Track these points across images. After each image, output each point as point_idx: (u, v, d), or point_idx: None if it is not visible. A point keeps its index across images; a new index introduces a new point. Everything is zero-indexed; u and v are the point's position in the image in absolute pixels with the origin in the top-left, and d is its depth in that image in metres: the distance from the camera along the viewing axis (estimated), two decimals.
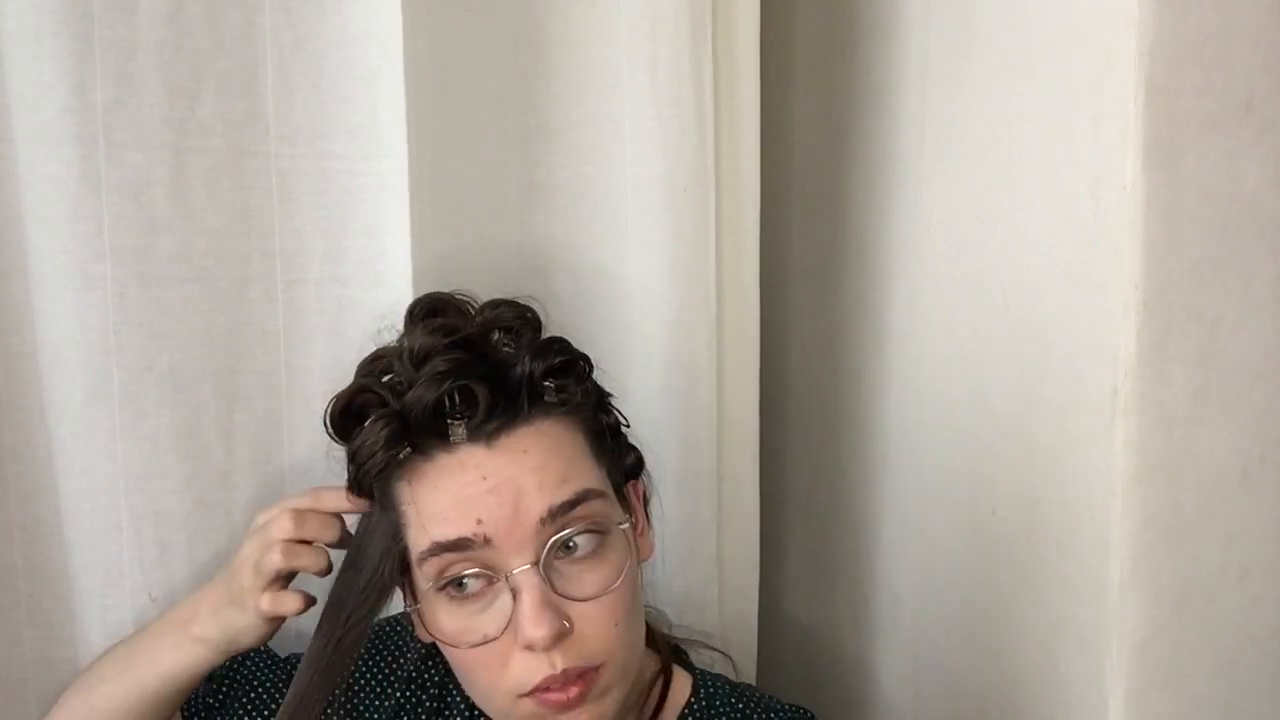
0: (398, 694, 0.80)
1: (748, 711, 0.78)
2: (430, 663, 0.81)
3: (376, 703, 0.80)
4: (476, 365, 0.68)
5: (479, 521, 0.66)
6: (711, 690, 0.79)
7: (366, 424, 0.69)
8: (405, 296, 0.88)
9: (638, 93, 0.92)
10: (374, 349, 0.75)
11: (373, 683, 0.81)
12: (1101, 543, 0.78)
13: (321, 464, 0.92)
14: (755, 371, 1.01)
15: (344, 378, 0.91)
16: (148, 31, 0.83)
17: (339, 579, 0.73)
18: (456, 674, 0.73)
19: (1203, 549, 0.79)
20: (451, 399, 0.67)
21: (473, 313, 0.74)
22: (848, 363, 1.12)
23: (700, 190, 0.94)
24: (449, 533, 0.66)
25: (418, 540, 0.68)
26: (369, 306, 0.90)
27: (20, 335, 0.88)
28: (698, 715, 0.78)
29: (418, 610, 0.71)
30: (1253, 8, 0.73)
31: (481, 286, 0.92)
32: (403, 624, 0.82)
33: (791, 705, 0.81)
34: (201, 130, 0.85)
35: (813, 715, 0.81)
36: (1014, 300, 0.86)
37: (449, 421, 0.68)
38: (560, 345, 0.72)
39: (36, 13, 0.80)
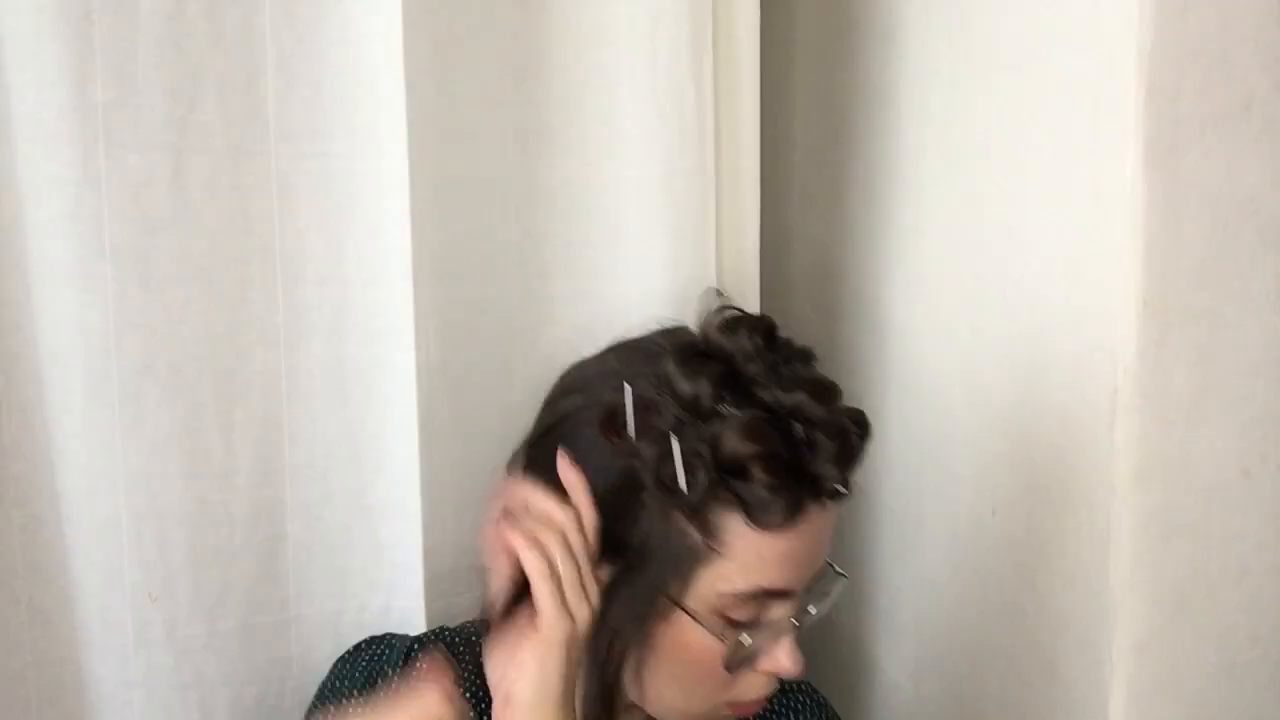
0: None
1: None
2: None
3: None
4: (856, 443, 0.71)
5: (797, 578, 0.71)
6: None
7: (758, 477, 0.68)
8: (405, 296, 0.88)
9: (638, 93, 0.92)
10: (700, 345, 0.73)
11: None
12: (1101, 543, 0.78)
13: (321, 463, 0.93)
14: None
15: (344, 377, 0.91)
16: (148, 31, 0.83)
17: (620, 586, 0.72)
18: (658, 672, 0.73)
19: (1203, 549, 0.79)
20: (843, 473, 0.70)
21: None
22: (848, 362, 1.12)
23: (700, 190, 0.94)
24: (779, 584, 0.70)
25: (738, 578, 0.69)
26: (369, 306, 0.90)
27: (20, 335, 0.88)
28: None
29: (667, 604, 0.71)
30: (1253, 8, 0.73)
31: (482, 285, 0.92)
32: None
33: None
34: (202, 130, 0.85)
35: (810, 686, 0.82)
36: (1014, 300, 0.86)
37: (833, 486, 0.70)
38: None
39: (36, 13, 0.80)
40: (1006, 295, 0.87)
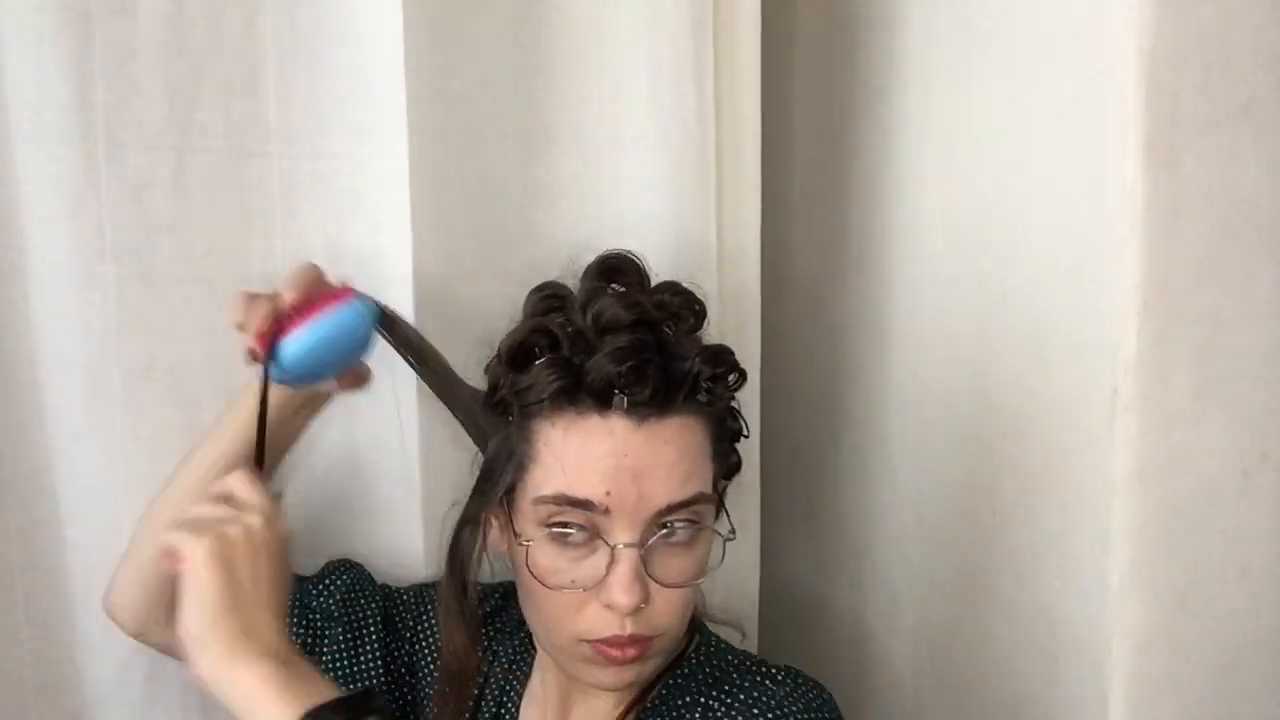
0: (376, 642, 0.87)
1: (738, 663, 0.80)
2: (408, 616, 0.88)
3: (430, 665, 0.86)
4: (653, 349, 0.72)
5: (607, 493, 0.71)
6: (710, 647, 0.82)
7: (538, 364, 0.73)
8: (406, 296, 0.88)
9: (638, 93, 0.92)
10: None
11: (427, 650, 0.87)
12: (1101, 543, 0.78)
13: (321, 463, 0.93)
14: (756, 371, 1.01)
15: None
16: (148, 32, 0.83)
17: (474, 489, 0.78)
18: (527, 603, 0.77)
19: (1203, 549, 0.79)
20: (623, 373, 0.71)
21: (649, 284, 0.79)
22: (848, 363, 1.12)
23: (700, 190, 0.94)
24: (579, 491, 0.71)
25: (542, 481, 0.73)
26: None
27: (21, 335, 0.88)
28: (694, 662, 0.80)
29: (515, 535, 0.75)
30: (1253, 8, 0.73)
31: (482, 285, 0.92)
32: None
33: (781, 666, 0.81)
34: (202, 130, 0.85)
35: (799, 672, 0.82)
36: (1014, 300, 0.86)
37: (615, 392, 0.71)
38: (730, 358, 0.76)
39: (37, 13, 0.80)
40: (1007, 295, 0.87)
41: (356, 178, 0.88)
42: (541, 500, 0.72)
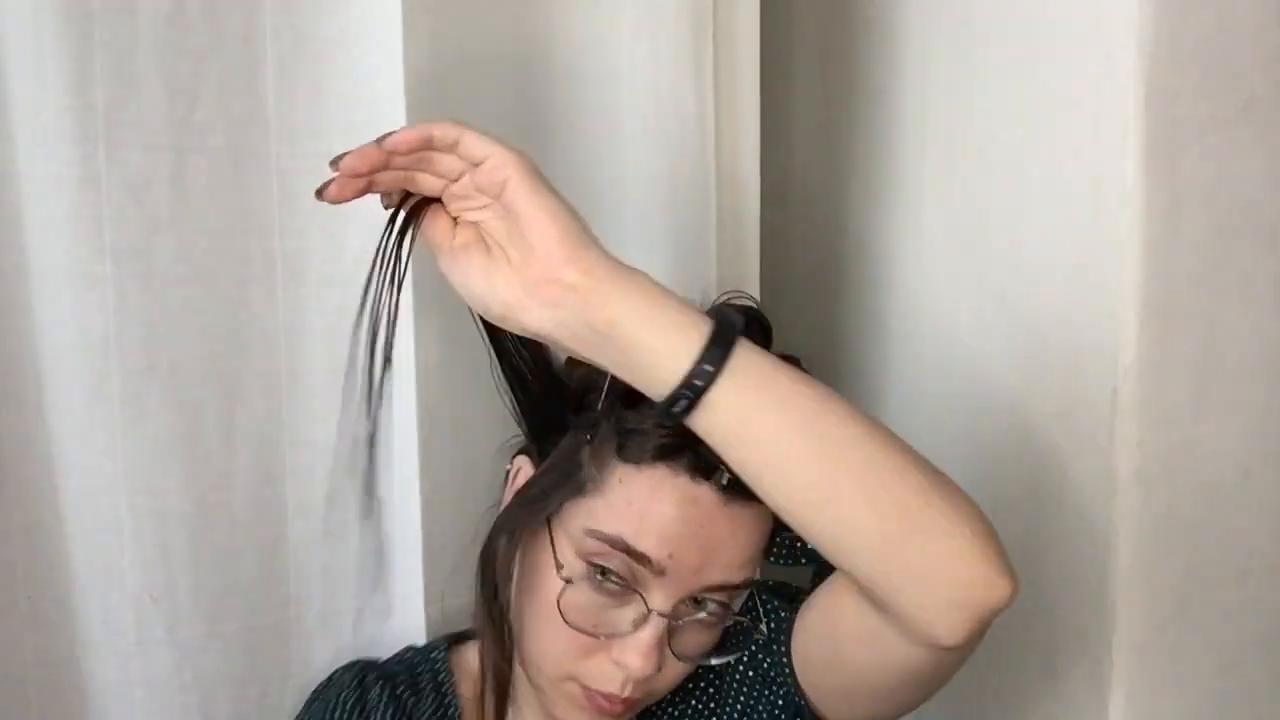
0: None
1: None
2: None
3: None
4: None
5: (670, 555, 0.69)
6: None
7: (644, 410, 0.69)
8: (405, 297, 0.87)
9: (638, 93, 0.92)
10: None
11: None
12: (1101, 543, 0.78)
13: (321, 463, 0.93)
14: None
15: (343, 378, 0.91)
16: (148, 31, 0.83)
17: (522, 498, 0.75)
18: (528, 625, 0.74)
19: (1203, 549, 0.79)
20: None
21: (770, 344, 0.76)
22: (848, 363, 1.12)
23: (700, 190, 0.94)
24: (642, 545, 0.69)
25: (605, 518, 0.70)
26: None
27: (20, 335, 0.88)
28: None
29: (555, 558, 0.72)
30: (1253, 8, 0.73)
31: None
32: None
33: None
34: (202, 130, 0.85)
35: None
36: (1014, 300, 0.86)
37: (720, 468, 0.69)
38: None
39: (36, 13, 0.80)
40: (1006, 295, 0.87)
41: None
42: (597, 536, 0.70)
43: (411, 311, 0.88)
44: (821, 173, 1.15)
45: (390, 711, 0.79)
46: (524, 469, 0.79)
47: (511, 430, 0.86)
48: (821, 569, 0.78)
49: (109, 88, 0.82)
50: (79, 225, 0.83)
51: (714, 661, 0.75)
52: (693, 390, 0.60)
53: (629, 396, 0.69)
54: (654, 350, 0.60)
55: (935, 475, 0.63)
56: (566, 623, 0.70)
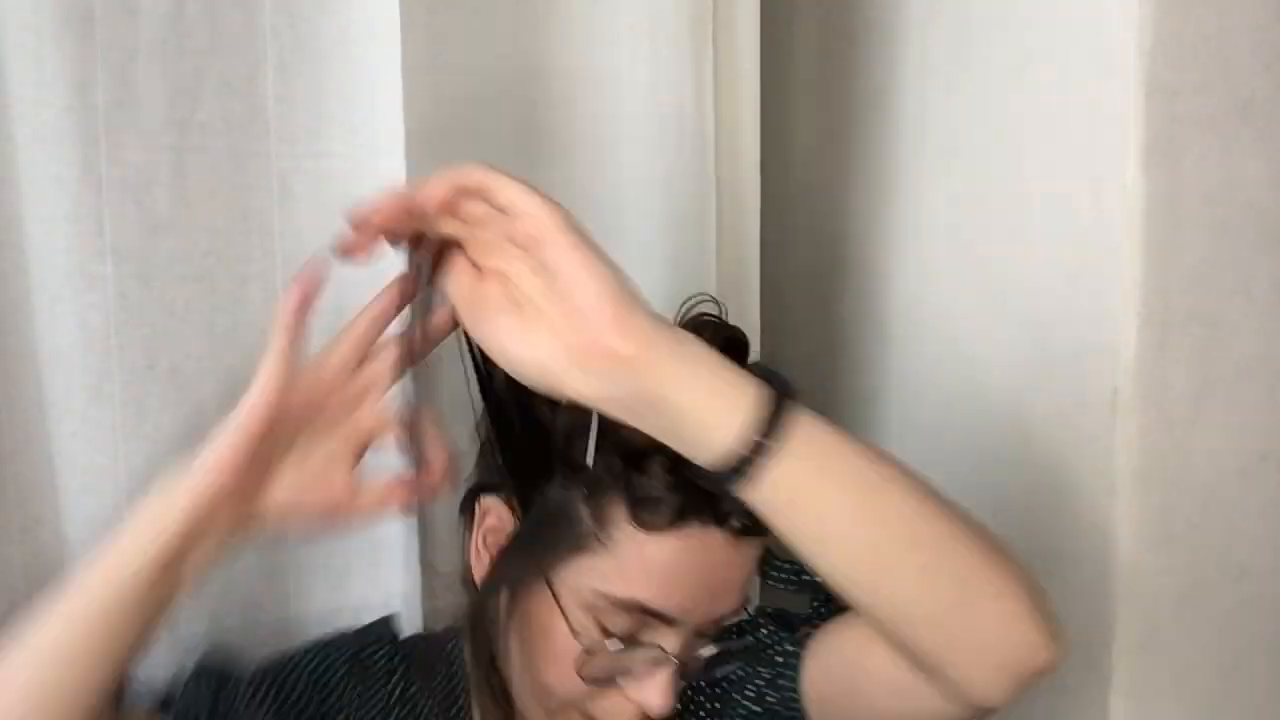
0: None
1: None
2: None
3: None
4: None
5: (687, 610, 0.68)
6: None
7: (657, 469, 0.66)
8: None
9: (638, 93, 0.92)
10: None
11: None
12: (1101, 543, 0.78)
13: None
14: None
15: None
16: (149, 32, 0.83)
17: (516, 547, 0.71)
18: (532, 664, 0.72)
19: (1203, 549, 0.79)
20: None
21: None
22: (848, 363, 1.12)
23: (700, 190, 0.94)
24: (658, 604, 0.67)
25: (616, 580, 0.67)
26: None
27: (20, 335, 0.88)
28: None
29: (559, 607, 0.69)
30: (1253, 8, 0.73)
31: None
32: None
33: None
34: (202, 130, 0.85)
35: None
36: (1014, 300, 0.86)
37: (729, 513, 0.67)
38: None
39: (37, 13, 0.80)
40: (1007, 295, 0.87)
41: (356, 178, 0.88)
42: (611, 600, 0.68)
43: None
44: (821, 173, 1.15)
45: (400, 689, 0.78)
46: (495, 510, 0.73)
47: None
48: (820, 595, 0.77)
49: (109, 88, 0.82)
50: (79, 225, 0.83)
51: (719, 673, 0.74)
52: (745, 464, 0.57)
53: (628, 453, 0.67)
54: (704, 423, 0.57)
55: (986, 540, 0.61)
56: (584, 679, 0.68)
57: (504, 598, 0.71)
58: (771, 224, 1.03)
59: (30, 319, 0.87)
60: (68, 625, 0.59)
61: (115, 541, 0.60)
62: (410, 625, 0.91)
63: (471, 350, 0.66)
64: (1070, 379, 0.80)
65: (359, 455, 0.63)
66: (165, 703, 0.74)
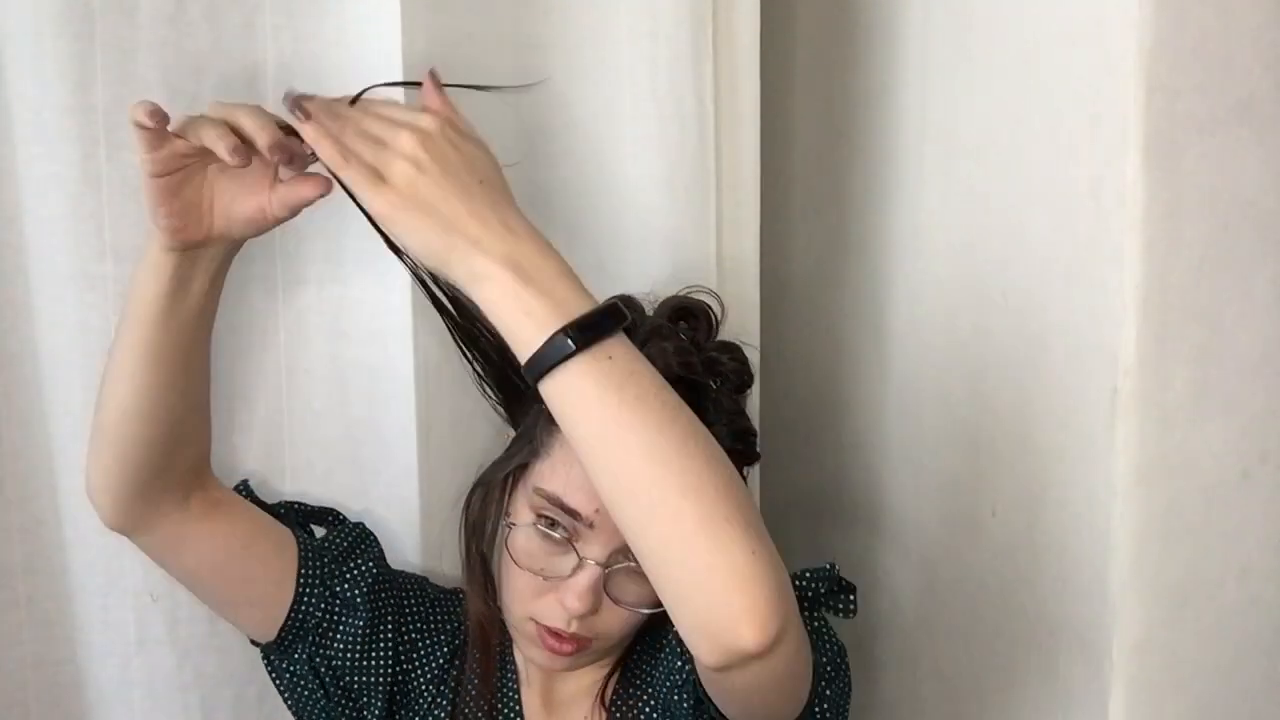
0: (446, 649, 0.88)
1: None
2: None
3: (429, 656, 0.88)
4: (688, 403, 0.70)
5: (596, 510, 0.76)
6: None
7: None
8: (405, 297, 0.88)
9: (638, 93, 0.92)
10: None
11: (427, 639, 0.88)
12: (1101, 543, 0.78)
13: (321, 462, 0.93)
14: (755, 372, 1.01)
15: (344, 377, 0.91)
16: (149, 31, 0.83)
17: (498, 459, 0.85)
18: (500, 576, 0.83)
19: (1203, 549, 0.79)
20: None
21: (716, 333, 0.85)
22: (848, 363, 1.12)
23: (700, 190, 0.94)
24: (571, 500, 0.76)
25: (548, 477, 0.78)
26: (369, 306, 0.90)
27: (20, 335, 0.88)
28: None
29: (505, 512, 0.82)
30: (1253, 8, 0.73)
31: None
32: (453, 596, 0.91)
33: None
34: None
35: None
36: (1014, 300, 0.86)
37: None
38: (752, 436, 0.83)
39: (37, 13, 0.80)
40: (1006, 295, 0.87)
41: None
42: (541, 493, 0.78)
43: (411, 311, 0.88)
44: (821, 173, 1.15)
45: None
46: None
47: (510, 430, 0.86)
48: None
49: (109, 88, 0.82)
50: (79, 225, 0.84)
51: (646, 612, 0.79)
52: (544, 359, 0.63)
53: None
54: (528, 310, 0.64)
55: (750, 513, 0.63)
56: (515, 563, 0.79)
57: (479, 501, 0.83)
58: (771, 225, 1.03)
59: (30, 319, 0.87)
60: (128, 346, 0.75)
61: (133, 278, 0.75)
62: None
63: (440, 286, 0.76)
64: (1070, 379, 0.80)
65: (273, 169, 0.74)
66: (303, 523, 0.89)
